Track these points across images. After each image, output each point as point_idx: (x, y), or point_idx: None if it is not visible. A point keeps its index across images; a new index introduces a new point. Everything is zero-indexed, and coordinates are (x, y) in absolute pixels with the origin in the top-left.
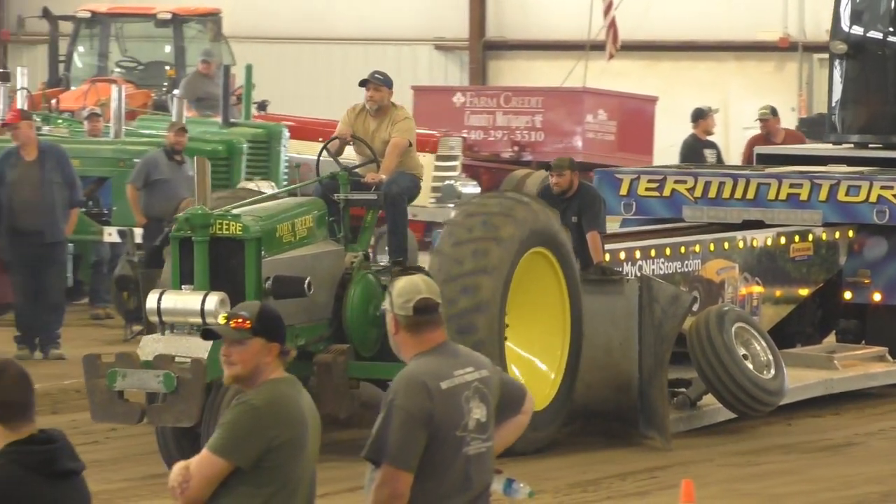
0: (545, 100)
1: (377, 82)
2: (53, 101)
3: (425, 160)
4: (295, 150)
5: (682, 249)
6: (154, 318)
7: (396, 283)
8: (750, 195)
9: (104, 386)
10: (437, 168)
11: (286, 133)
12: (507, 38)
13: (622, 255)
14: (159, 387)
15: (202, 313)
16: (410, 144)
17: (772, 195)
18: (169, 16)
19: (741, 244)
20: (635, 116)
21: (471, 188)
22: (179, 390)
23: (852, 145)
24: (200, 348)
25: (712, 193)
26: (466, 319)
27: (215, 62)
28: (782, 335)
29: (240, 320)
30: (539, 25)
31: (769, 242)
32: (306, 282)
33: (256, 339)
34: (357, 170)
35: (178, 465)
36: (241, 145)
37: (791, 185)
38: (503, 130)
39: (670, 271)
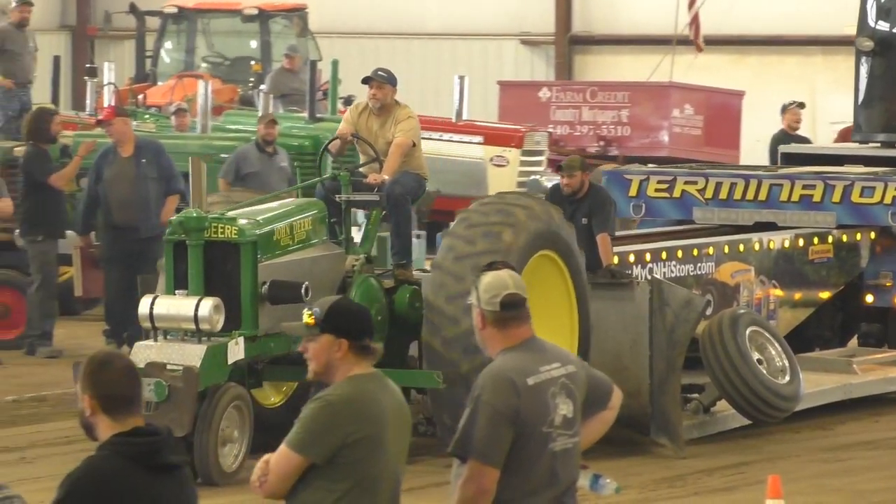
0: (631, 94)
1: (380, 80)
2: (140, 97)
3: (511, 155)
4: None
5: (695, 252)
6: (146, 325)
7: (483, 278)
8: (762, 196)
9: None
10: (523, 163)
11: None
12: (594, 32)
13: (632, 258)
14: (150, 395)
15: (196, 319)
16: (414, 145)
17: (784, 196)
18: (255, 11)
19: (757, 246)
20: (722, 111)
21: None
22: (171, 399)
23: (879, 144)
24: (194, 356)
25: (723, 195)
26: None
27: (300, 57)
28: (801, 339)
29: (310, 316)
30: (625, 20)
31: (786, 244)
32: (303, 286)
33: (325, 335)
34: (360, 170)
35: (261, 460)
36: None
37: (804, 187)
38: (589, 125)
39: (683, 274)
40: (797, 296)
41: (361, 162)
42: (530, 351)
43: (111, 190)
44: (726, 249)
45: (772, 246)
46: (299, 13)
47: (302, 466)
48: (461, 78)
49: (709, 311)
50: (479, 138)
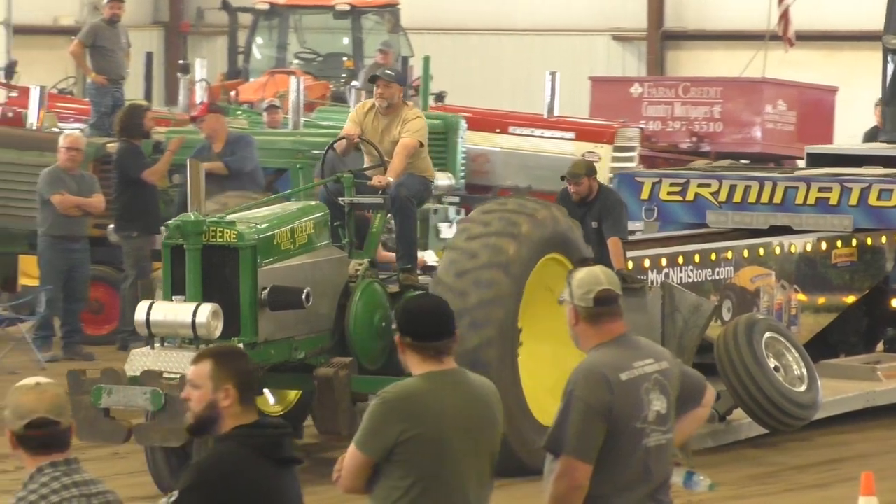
0: (724, 90)
1: (387, 79)
2: (232, 93)
3: (602, 150)
4: (472, 141)
5: (713, 256)
6: (143, 331)
7: (576, 274)
8: (777, 199)
9: (89, 403)
10: (615, 159)
11: (463, 124)
12: (686, 27)
13: (647, 263)
14: (146, 404)
15: (193, 326)
16: (421, 145)
17: (800, 199)
18: (347, 7)
19: (778, 250)
20: (815, 107)
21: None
22: (167, 408)
23: None
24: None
25: (737, 198)
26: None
27: (393, 53)
28: (825, 345)
29: None
30: (718, 15)
31: (808, 248)
32: (304, 292)
33: (397, 334)
34: (364, 172)
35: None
36: None
37: (820, 189)
38: (681, 121)
39: (700, 279)
40: (820, 301)
41: (366, 163)
42: (623, 347)
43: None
44: (746, 254)
45: (793, 250)
46: (391, 9)
47: (365, 463)
48: (552, 74)
49: (727, 317)
50: (570, 134)
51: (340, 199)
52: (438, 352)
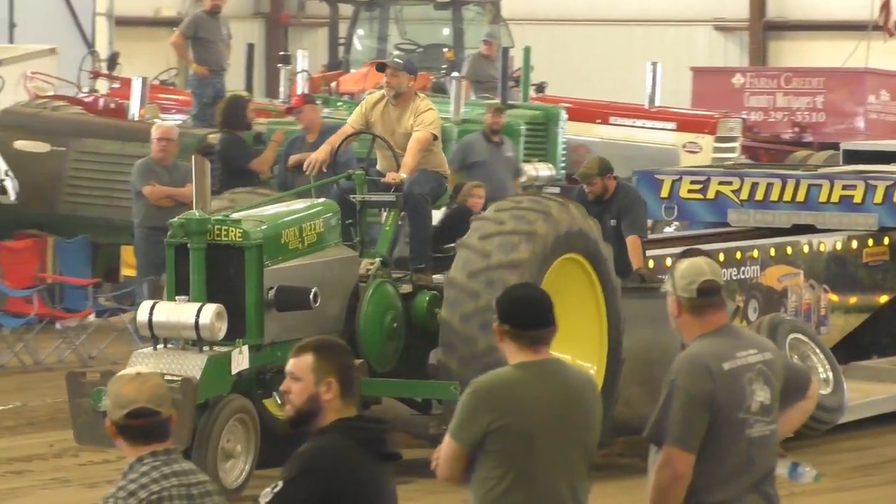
0: (826, 80)
1: (395, 66)
2: (333, 84)
3: (704, 141)
4: (572, 131)
5: (738, 255)
6: (146, 332)
7: (678, 265)
8: (800, 198)
9: (88, 406)
10: (716, 149)
11: (564, 115)
12: (788, 18)
13: (668, 262)
14: None
15: (196, 327)
16: (435, 138)
17: (823, 197)
18: None
19: (806, 249)
20: None
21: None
22: None
23: None
24: (194, 366)
25: (760, 196)
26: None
27: (497, 44)
28: (857, 346)
29: None
30: (820, 5)
31: (838, 247)
32: (312, 293)
33: (495, 322)
34: (377, 168)
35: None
36: (519, 127)
37: (844, 187)
38: (783, 111)
39: (725, 279)
40: (851, 300)
41: (378, 159)
42: (726, 337)
43: (301, 177)
44: (772, 252)
45: (822, 248)
46: (492, 0)
47: (459, 452)
48: (654, 64)
49: (753, 317)
50: (671, 124)
51: (352, 196)
52: (535, 341)
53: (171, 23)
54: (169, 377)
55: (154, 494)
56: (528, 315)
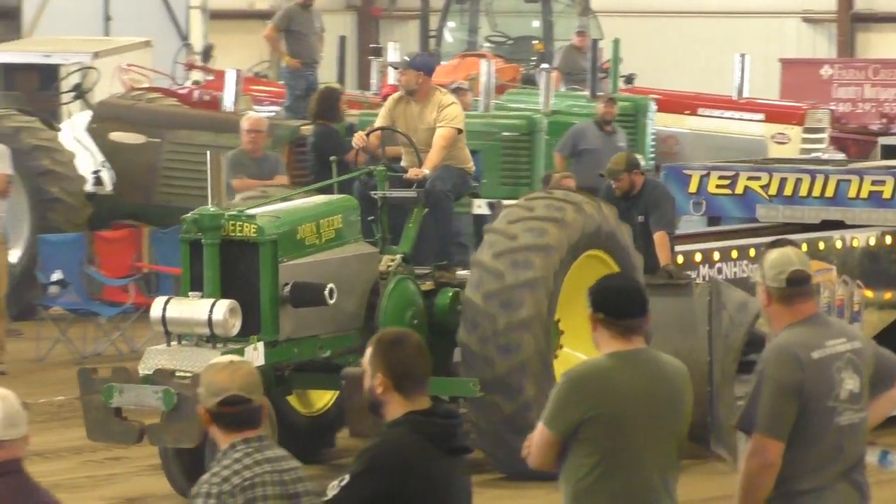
0: None
1: (401, 66)
2: None
3: (792, 132)
4: (662, 122)
5: None
6: (159, 328)
7: (768, 255)
8: (829, 193)
9: (100, 402)
10: (805, 140)
11: (653, 106)
12: (876, 10)
13: (698, 257)
14: (158, 404)
15: (210, 323)
16: (460, 132)
17: (852, 193)
18: None
19: (839, 244)
20: None
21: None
22: (180, 408)
23: None
24: (206, 362)
25: (788, 191)
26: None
27: (589, 36)
28: (891, 343)
29: None
30: None
31: (872, 242)
32: (327, 289)
33: (590, 310)
34: (401, 164)
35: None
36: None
37: (873, 182)
38: (871, 103)
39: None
40: (886, 296)
41: (402, 155)
42: (815, 325)
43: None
44: (805, 248)
45: (856, 244)
46: None
47: (553, 440)
48: (742, 56)
49: None
50: (760, 116)
51: (373, 192)
52: (628, 329)
53: (264, 16)
54: (180, 374)
55: (247, 480)
56: (622, 304)
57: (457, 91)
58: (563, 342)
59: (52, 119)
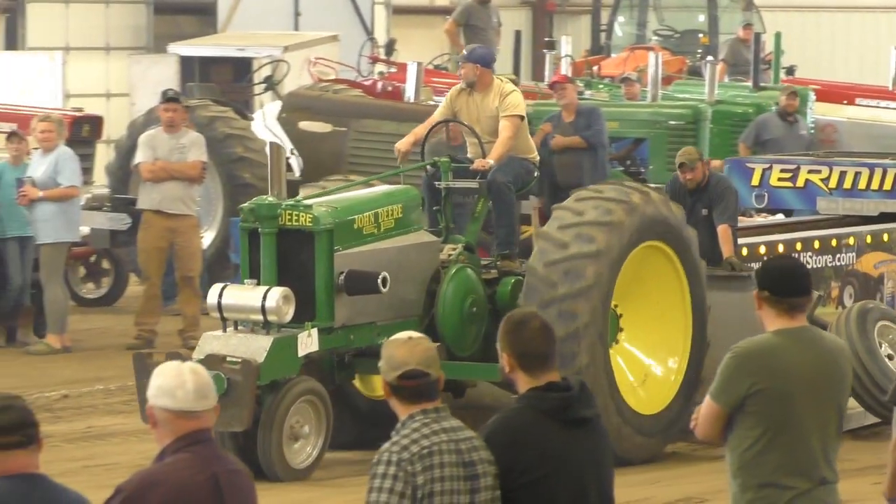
0: None
1: (461, 59)
2: (595, 68)
3: None
4: (821, 112)
5: (834, 242)
6: (216, 315)
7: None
8: (887, 186)
9: None
10: None
11: (812, 96)
12: None
13: (762, 250)
14: None
15: (263, 310)
16: (522, 119)
17: None
18: None
19: None
20: None
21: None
22: (230, 393)
23: None
24: (259, 348)
25: (847, 184)
26: (567, 304)
27: (753, 29)
28: None
29: None
30: None
31: None
32: (380, 277)
33: (755, 290)
34: (468, 155)
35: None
36: (770, 108)
37: None
38: None
39: (820, 265)
40: None
41: (468, 146)
42: None
43: (555, 154)
44: (869, 239)
45: None
46: None
47: (719, 413)
48: None
49: (849, 303)
50: None
51: (437, 182)
52: (792, 307)
53: (444, 11)
54: (230, 359)
55: (425, 449)
56: (787, 283)
57: (625, 82)
58: (622, 337)
59: (244, 109)
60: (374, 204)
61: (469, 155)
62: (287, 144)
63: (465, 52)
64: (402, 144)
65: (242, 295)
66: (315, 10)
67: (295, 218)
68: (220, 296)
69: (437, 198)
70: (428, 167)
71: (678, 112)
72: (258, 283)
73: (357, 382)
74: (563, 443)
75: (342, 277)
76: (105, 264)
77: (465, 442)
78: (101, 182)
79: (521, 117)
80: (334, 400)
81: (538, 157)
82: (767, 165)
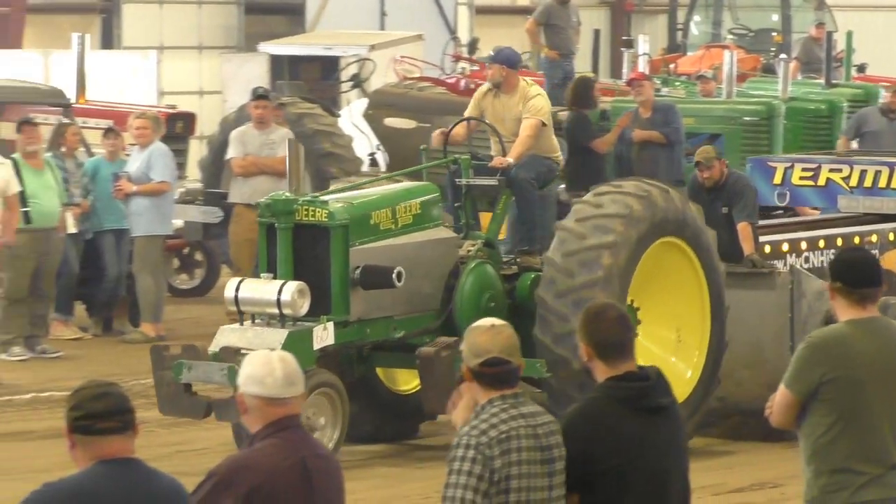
0: None
1: (487, 61)
2: (672, 66)
3: None
4: None
5: (857, 240)
6: (232, 308)
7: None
8: None
9: (170, 378)
10: None
11: (883, 93)
12: None
13: (785, 247)
14: (223, 380)
15: (278, 303)
16: (544, 125)
17: None
18: None
19: None
20: None
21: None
22: None
23: None
24: (274, 341)
25: (868, 183)
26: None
27: (825, 28)
28: None
29: None
30: None
31: None
32: (395, 272)
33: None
34: (490, 153)
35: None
36: (842, 104)
37: None
38: None
39: None
40: None
41: (491, 145)
42: None
43: (634, 150)
44: (892, 237)
45: None
46: None
47: (793, 401)
48: None
49: None
50: None
51: (457, 180)
52: (863, 298)
53: (525, 11)
54: (245, 351)
55: (503, 433)
56: (859, 274)
57: (701, 79)
58: (638, 330)
59: (332, 106)
60: (392, 200)
61: (492, 153)
62: (373, 140)
63: (491, 52)
64: (432, 140)
65: (259, 288)
66: (400, 9)
67: (311, 213)
68: (237, 289)
69: (459, 194)
70: (450, 164)
71: (752, 109)
72: (274, 277)
73: (381, 372)
74: (640, 431)
75: (357, 272)
76: (198, 256)
77: (543, 427)
78: (194, 177)
79: (543, 123)
80: (355, 392)
81: (561, 157)
82: (789, 164)
